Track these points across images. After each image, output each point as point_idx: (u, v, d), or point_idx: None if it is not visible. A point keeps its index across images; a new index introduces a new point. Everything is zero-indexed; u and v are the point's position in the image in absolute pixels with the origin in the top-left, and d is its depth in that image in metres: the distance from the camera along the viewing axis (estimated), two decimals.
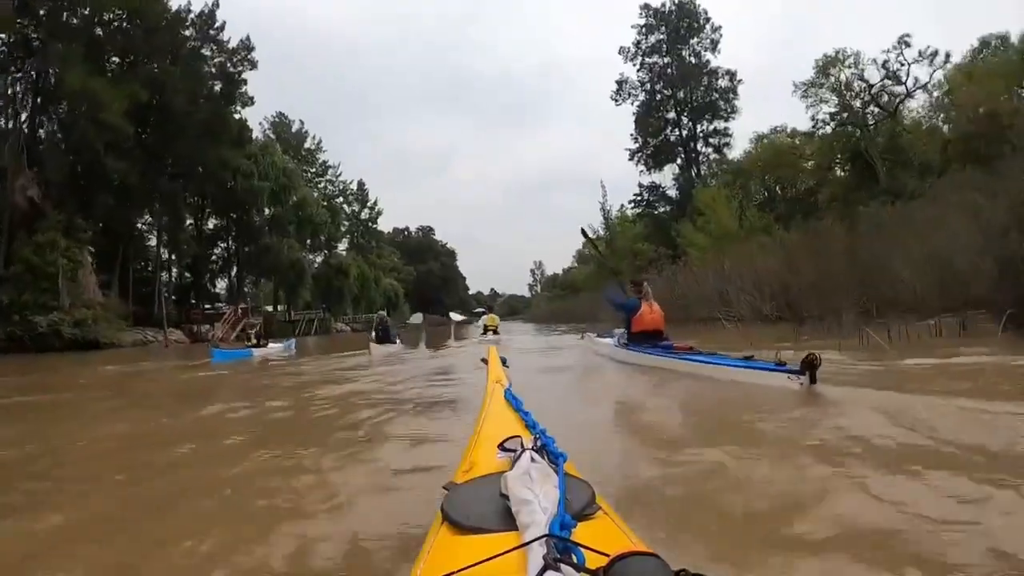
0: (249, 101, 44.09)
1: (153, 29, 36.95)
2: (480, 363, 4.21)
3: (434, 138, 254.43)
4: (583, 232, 11.83)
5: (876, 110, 36.15)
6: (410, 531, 2.19)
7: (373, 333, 17.13)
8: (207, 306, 49.87)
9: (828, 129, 38.12)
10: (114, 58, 38.01)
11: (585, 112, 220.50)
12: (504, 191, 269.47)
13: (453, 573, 0.88)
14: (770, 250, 17.04)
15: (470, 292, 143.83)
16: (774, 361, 5.41)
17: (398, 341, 17.32)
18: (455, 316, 30.17)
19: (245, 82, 42.90)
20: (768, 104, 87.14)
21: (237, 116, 44.99)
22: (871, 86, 35.58)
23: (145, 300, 39.70)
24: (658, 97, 54.13)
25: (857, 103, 36.39)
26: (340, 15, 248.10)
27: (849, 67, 36.08)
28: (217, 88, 41.92)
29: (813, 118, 38.28)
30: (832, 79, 36.49)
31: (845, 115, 36.84)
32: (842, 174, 39.52)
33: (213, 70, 41.57)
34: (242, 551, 2.21)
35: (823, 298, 12.35)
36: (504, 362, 3.59)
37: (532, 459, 1.30)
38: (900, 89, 35.43)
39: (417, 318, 30.54)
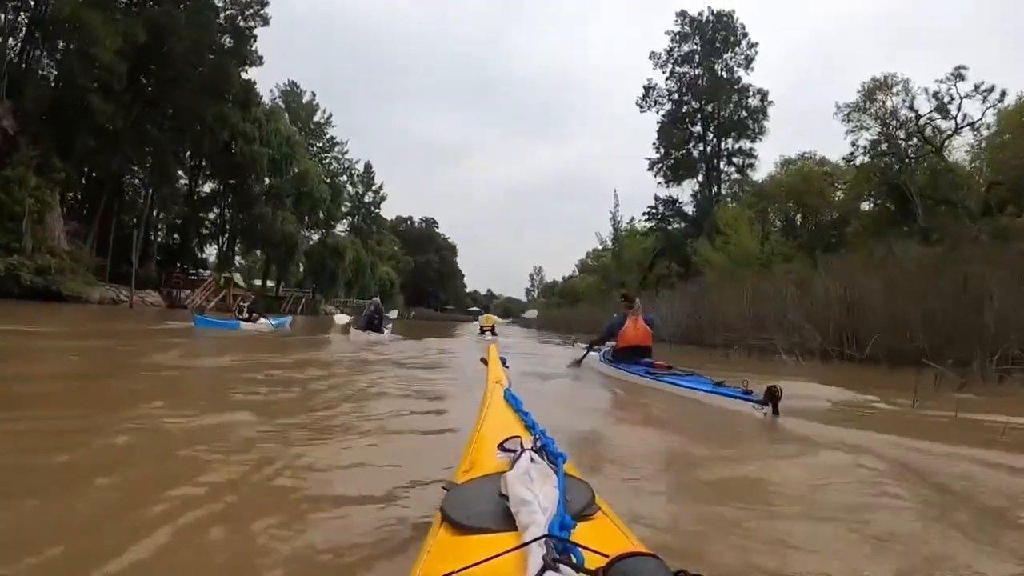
0: (258, 60, 41.59)
1: None
2: (480, 363, 4.04)
3: (449, 131, 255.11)
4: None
5: (917, 143, 33.83)
6: (409, 532, 2.16)
7: (363, 319, 16.15)
8: (192, 272, 47.71)
9: (865, 158, 35.84)
10: None
11: (600, 125, 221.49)
12: (512, 193, 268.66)
13: (453, 573, 0.89)
14: (828, 275, 14.61)
15: (467, 290, 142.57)
16: (741, 389, 5.53)
17: (386, 331, 16.35)
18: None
19: (255, 38, 40.41)
20: (783, 132, 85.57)
21: (245, 76, 42.74)
22: (919, 116, 33.20)
23: (128, 257, 37.35)
24: (685, 109, 51.93)
25: (901, 134, 34.04)
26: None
27: (897, 94, 33.74)
28: (225, 42, 39.41)
29: (853, 143, 35.96)
30: (878, 105, 34.23)
31: (885, 145, 34.52)
32: (873, 207, 37.33)
33: (222, 21, 39.07)
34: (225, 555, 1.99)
35: (904, 336, 10.15)
36: (504, 362, 3.53)
37: (532, 459, 1.30)
38: (947, 124, 33.13)
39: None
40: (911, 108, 33.39)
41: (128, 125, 34.14)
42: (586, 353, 9.72)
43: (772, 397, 4.95)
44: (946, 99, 32.47)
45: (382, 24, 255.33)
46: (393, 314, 24.30)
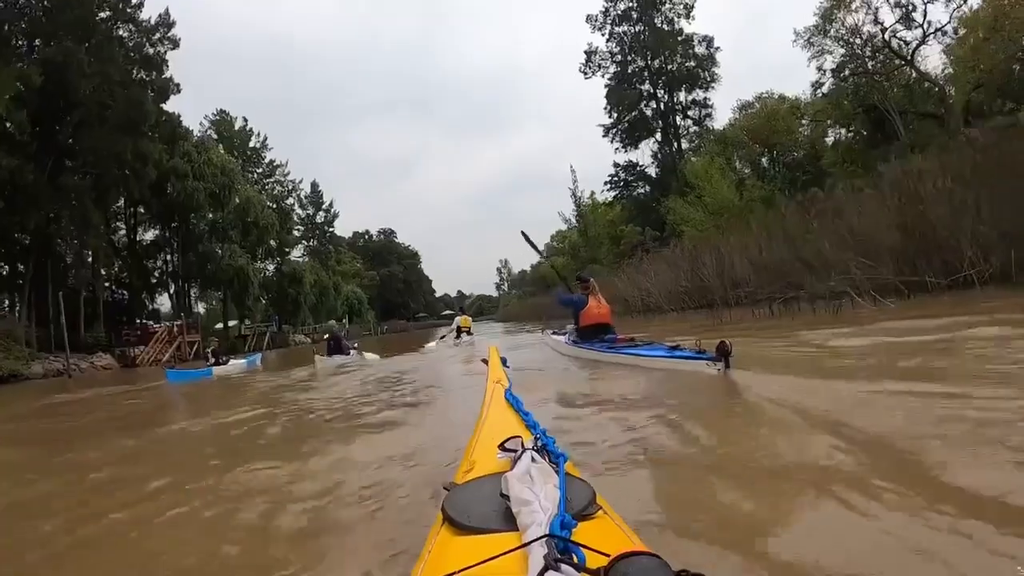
0: (175, 88, 38.51)
1: (59, 6, 31.56)
2: (480, 363, 4.39)
3: (398, 144, 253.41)
4: (523, 235, 11.98)
5: (884, 59, 32.06)
6: (410, 532, 2.19)
7: (326, 347, 16.29)
8: (145, 325, 44.49)
9: (832, 81, 34.15)
10: (20, 42, 32.41)
11: (547, 117, 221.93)
12: (469, 193, 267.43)
13: (454, 573, 0.89)
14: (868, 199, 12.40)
15: (436, 295, 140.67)
16: (695, 350, 5.58)
17: (352, 352, 16.08)
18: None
19: (166, 63, 37.24)
20: (736, 83, 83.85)
21: (168, 109, 39.86)
22: (884, 29, 31.33)
23: (73, 321, 34.32)
24: (631, 68, 50.04)
25: (867, 51, 32.18)
26: (302, 28, 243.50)
27: (857, 10, 31.81)
28: (137, 74, 36.22)
29: (819, 68, 34.20)
30: (837, 25, 32.36)
31: (852, 65, 32.70)
32: (848, 134, 35.70)
33: (133, 54, 35.80)
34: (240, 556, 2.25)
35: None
36: (504, 362, 3.67)
37: (533, 459, 1.30)
38: (912, 35, 31.41)
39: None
40: (875, 21, 31.53)
41: (45, 179, 31.05)
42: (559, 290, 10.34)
43: (723, 352, 5.04)
44: (909, 6, 30.74)
45: (316, 52, 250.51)
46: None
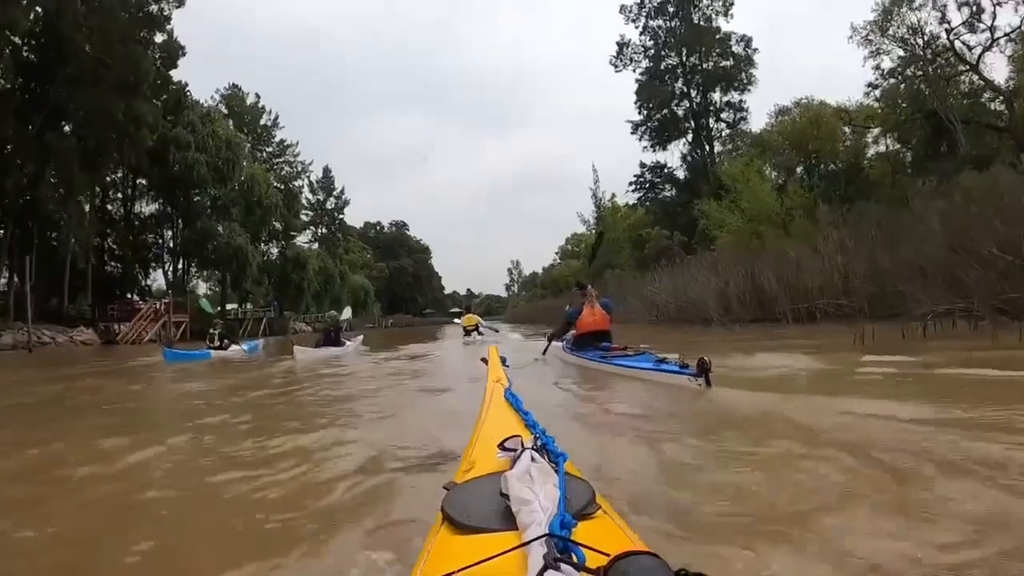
0: (181, 51, 36.28)
1: None
2: (480, 362, 4.19)
3: (410, 137, 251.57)
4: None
5: (943, 63, 29.40)
6: (410, 532, 2.14)
7: (322, 337, 16.48)
8: (137, 301, 42.19)
9: (890, 82, 31.55)
10: None
11: (562, 118, 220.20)
12: (480, 192, 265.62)
13: (453, 573, 0.89)
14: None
15: (445, 292, 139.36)
16: (679, 363, 5.77)
17: (348, 343, 16.46)
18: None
19: (168, 19, 34.86)
20: (770, 88, 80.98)
21: (177, 79, 38.06)
22: (949, 30, 28.58)
23: (58, 292, 32.32)
24: (664, 64, 47.64)
25: (927, 53, 29.47)
26: (314, 15, 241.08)
27: (919, 8, 29.08)
28: (139, 33, 33.89)
29: (877, 67, 31.55)
30: (896, 23, 29.71)
31: (912, 67, 30.03)
32: (893, 147, 33.16)
33: (141, 12, 33.45)
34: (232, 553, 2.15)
35: None
36: (504, 361, 3.58)
37: (532, 459, 1.30)
38: (977, 39, 28.71)
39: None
40: (943, 20, 28.77)
41: (32, 136, 28.78)
42: (548, 344, 10.06)
43: (703, 369, 5.12)
44: (975, 7, 28.01)
45: (330, 38, 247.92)
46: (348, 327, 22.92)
